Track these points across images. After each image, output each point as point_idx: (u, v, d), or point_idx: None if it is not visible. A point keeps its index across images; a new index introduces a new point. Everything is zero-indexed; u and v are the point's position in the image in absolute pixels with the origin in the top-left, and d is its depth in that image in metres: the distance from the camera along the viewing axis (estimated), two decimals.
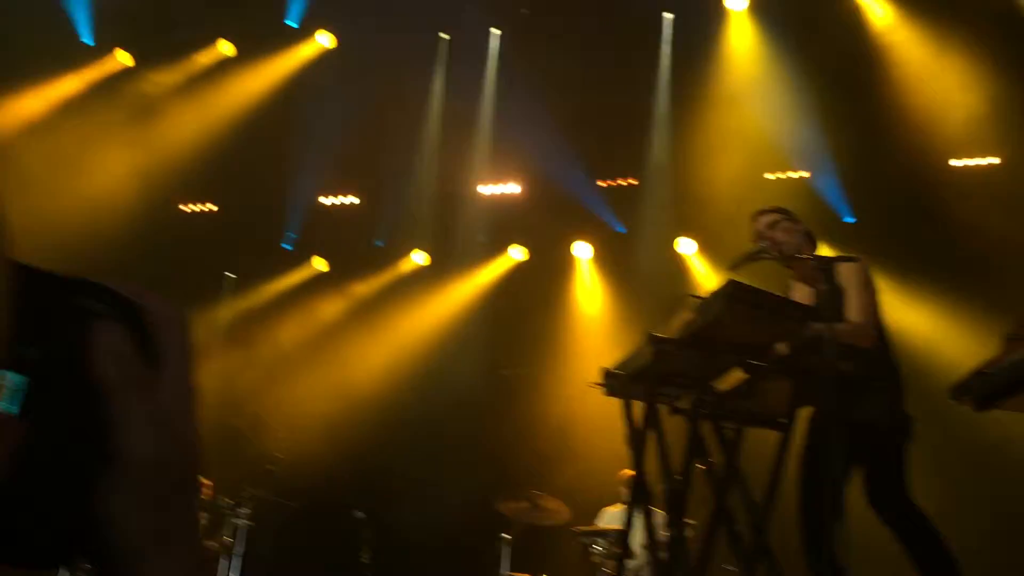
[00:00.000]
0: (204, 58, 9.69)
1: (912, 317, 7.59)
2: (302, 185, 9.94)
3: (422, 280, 9.98)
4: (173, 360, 0.59)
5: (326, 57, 9.78)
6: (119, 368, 0.52)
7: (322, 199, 10.26)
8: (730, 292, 3.44)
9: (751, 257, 4.01)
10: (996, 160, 8.35)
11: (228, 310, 9.96)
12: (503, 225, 9.84)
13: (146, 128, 9.39)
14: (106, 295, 0.53)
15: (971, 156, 8.45)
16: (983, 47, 8.03)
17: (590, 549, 6.51)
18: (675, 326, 3.78)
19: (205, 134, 9.47)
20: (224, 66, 9.76)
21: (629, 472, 5.85)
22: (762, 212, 4.21)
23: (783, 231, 4.10)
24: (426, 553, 8.22)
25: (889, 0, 8.49)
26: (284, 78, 9.80)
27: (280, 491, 7.47)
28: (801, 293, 4.10)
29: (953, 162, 8.48)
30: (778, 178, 8.97)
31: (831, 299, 3.63)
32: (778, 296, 3.53)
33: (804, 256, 3.75)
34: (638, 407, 4.00)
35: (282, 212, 10.09)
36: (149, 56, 9.67)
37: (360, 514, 7.03)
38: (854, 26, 8.53)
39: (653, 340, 3.75)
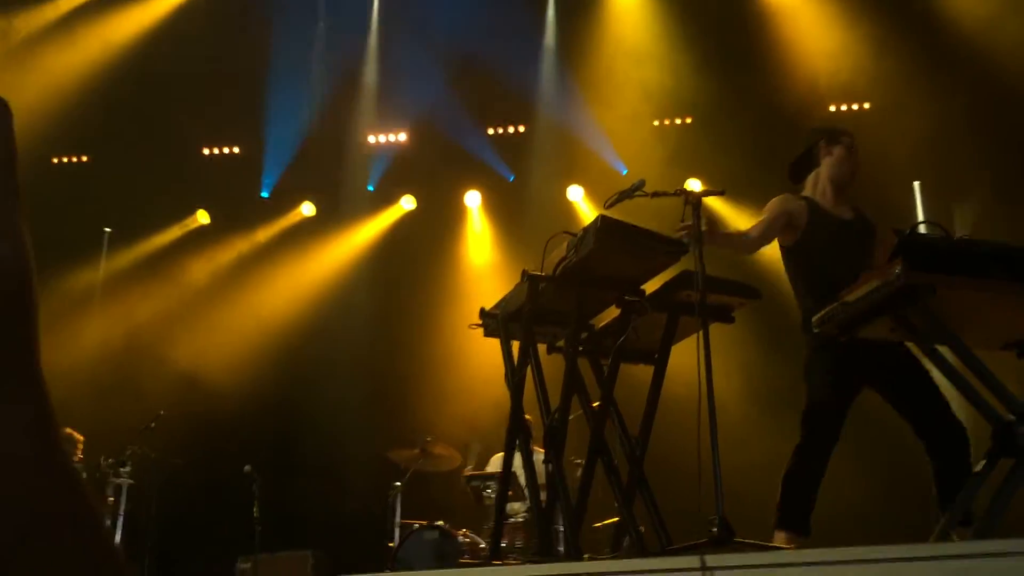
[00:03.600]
0: None
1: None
2: (183, 135, 9.58)
3: (311, 231, 9.80)
4: None
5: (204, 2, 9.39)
6: None
7: (204, 150, 9.92)
8: (601, 227, 3.46)
9: (626, 194, 4.03)
10: (867, 105, 8.66)
11: (108, 266, 9.57)
12: (392, 175, 9.73)
13: (10, 75, 8.85)
14: None
15: (846, 102, 8.74)
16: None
17: (483, 494, 6.55)
18: (551, 264, 3.78)
19: (76, 81, 8.99)
20: (93, 7, 9.26)
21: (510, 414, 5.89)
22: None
23: None
24: (319, 506, 8.17)
25: None
26: (159, 22, 9.36)
27: (166, 447, 7.30)
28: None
29: (832, 108, 8.76)
30: (664, 124, 9.09)
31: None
32: (648, 231, 3.56)
33: (672, 192, 3.78)
34: (516, 347, 4.02)
35: (163, 163, 9.73)
36: None
37: (248, 468, 6.90)
38: None
39: (528, 278, 3.76)
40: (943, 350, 3.29)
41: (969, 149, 7.71)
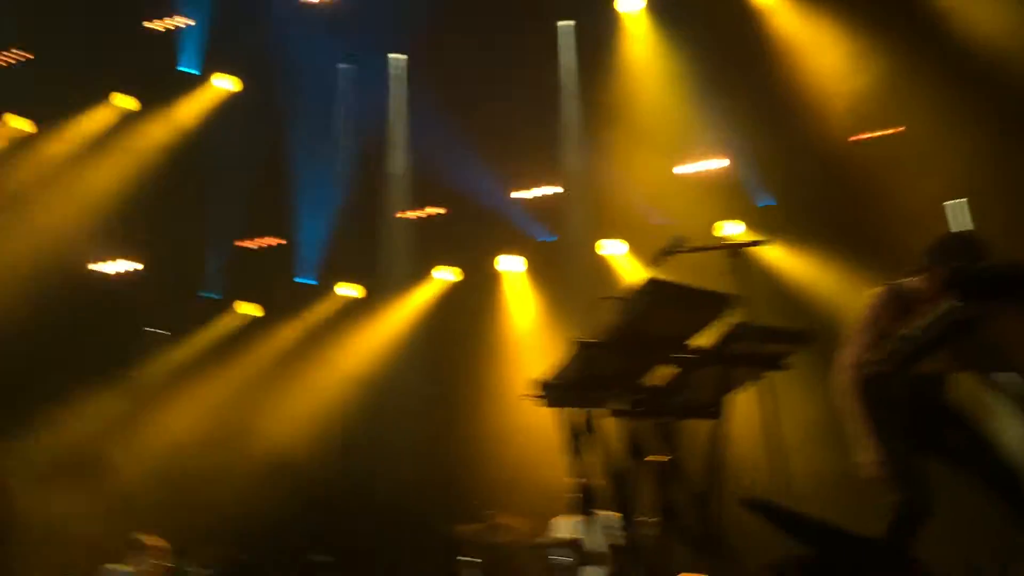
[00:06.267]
0: (102, 114, 9.44)
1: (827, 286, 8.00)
2: (219, 231, 9.80)
3: (355, 311, 9.90)
4: None
5: (231, 100, 9.66)
6: None
7: (241, 243, 10.15)
8: (650, 289, 3.47)
9: (668, 251, 4.03)
10: (894, 130, 8.59)
11: (158, 366, 9.69)
12: (430, 248, 9.81)
13: (48, 190, 9.08)
14: None
15: (873, 130, 8.66)
16: (874, 26, 8.26)
17: (551, 561, 6.48)
18: (598, 329, 3.78)
19: (109, 192, 9.22)
20: (125, 120, 9.53)
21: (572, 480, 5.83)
22: None
23: None
24: None
25: None
26: (189, 124, 9.62)
27: (233, 542, 7.31)
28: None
29: (855, 137, 8.69)
30: (689, 172, 9.12)
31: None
32: (695, 287, 3.57)
33: (712, 247, 3.80)
34: (575, 413, 3.99)
35: (200, 260, 9.94)
36: (46, 119, 9.35)
37: (322, 556, 6.87)
38: (745, 14, 8.71)
39: (581, 345, 3.75)
40: None
41: None
